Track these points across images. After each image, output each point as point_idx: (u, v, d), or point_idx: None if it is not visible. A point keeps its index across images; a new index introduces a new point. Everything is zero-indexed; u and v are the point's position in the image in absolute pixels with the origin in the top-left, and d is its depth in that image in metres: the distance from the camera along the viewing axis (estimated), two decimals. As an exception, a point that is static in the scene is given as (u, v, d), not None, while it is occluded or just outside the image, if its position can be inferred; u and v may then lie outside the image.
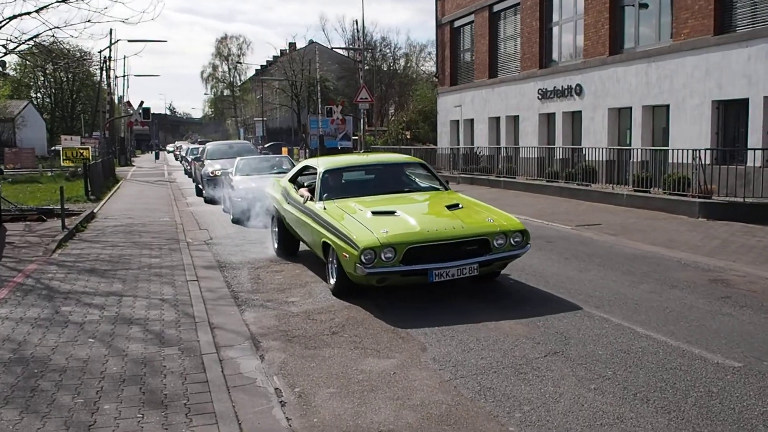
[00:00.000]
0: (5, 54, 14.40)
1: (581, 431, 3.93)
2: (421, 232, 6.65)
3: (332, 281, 7.43)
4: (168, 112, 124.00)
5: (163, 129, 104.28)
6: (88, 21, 14.39)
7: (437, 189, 8.68)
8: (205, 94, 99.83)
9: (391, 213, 7.18)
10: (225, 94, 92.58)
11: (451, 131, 30.69)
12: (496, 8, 26.48)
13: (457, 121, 30.00)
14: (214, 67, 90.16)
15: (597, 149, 18.36)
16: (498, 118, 26.65)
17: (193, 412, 4.29)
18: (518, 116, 25.03)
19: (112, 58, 46.66)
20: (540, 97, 23.36)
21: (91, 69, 55.19)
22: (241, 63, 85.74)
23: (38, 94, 72.48)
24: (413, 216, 7.07)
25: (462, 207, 7.48)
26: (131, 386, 4.75)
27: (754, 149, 14.34)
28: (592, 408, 4.22)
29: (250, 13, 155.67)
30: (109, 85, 49.36)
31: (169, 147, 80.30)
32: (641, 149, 17.37)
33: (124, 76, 75.72)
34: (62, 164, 32.28)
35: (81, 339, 5.88)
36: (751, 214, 12.26)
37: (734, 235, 10.97)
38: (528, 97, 24.18)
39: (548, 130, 23.56)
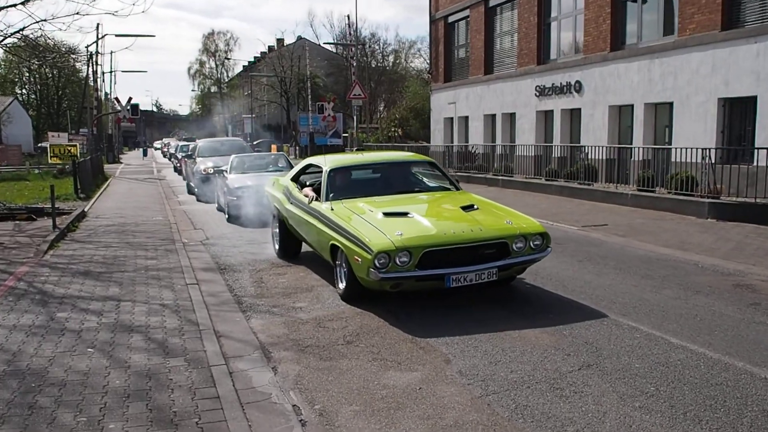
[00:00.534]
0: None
1: (632, 455, 3.62)
2: (437, 235, 6.31)
3: (341, 286, 7.08)
4: (155, 109, 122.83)
5: (150, 126, 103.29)
6: (77, 13, 13.96)
7: (448, 189, 8.33)
8: (192, 90, 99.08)
9: (404, 214, 6.83)
10: (212, 90, 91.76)
11: (445, 129, 30.36)
12: (492, 3, 26.14)
13: (452, 118, 29.67)
14: (201, 64, 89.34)
15: (597, 148, 18.08)
16: (494, 116, 26.36)
17: (207, 434, 3.94)
18: (515, 113, 24.74)
19: (100, 52, 45.99)
20: (537, 94, 23.07)
21: (77, 65, 54.42)
22: (228, 59, 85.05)
23: (23, 90, 71.51)
24: (428, 217, 6.75)
25: (478, 208, 7.14)
26: (137, 402, 4.39)
27: (763, 148, 14.09)
28: (642, 429, 3.90)
29: (236, 9, 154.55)
30: (96, 80, 48.64)
31: (157, 144, 79.45)
32: (643, 148, 17.12)
33: (111, 72, 74.92)
34: (50, 161, 31.71)
35: (79, 349, 5.51)
36: (762, 215, 12.00)
37: (748, 237, 10.72)
38: (525, 94, 23.89)
39: (546, 128, 23.29)
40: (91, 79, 47.28)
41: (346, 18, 55.63)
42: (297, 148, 50.41)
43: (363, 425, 4.09)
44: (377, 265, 6.11)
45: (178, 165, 30.20)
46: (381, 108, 65.24)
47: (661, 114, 18.27)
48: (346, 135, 48.94)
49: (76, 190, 19.59)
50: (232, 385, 4.72)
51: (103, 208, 16.99)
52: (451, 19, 29.65)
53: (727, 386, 4.49)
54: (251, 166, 15.38)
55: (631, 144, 18.36)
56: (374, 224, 6.59)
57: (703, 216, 12.73)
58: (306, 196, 8.24)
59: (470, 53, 28.01)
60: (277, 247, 9.72)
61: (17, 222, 13.62)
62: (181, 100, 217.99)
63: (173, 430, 3.99)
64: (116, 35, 47.41)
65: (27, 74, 68.36)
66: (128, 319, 6.40)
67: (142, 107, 72.62)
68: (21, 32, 15.89)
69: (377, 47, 68.32)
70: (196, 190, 18.89)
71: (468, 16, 27.90)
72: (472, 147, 25.65)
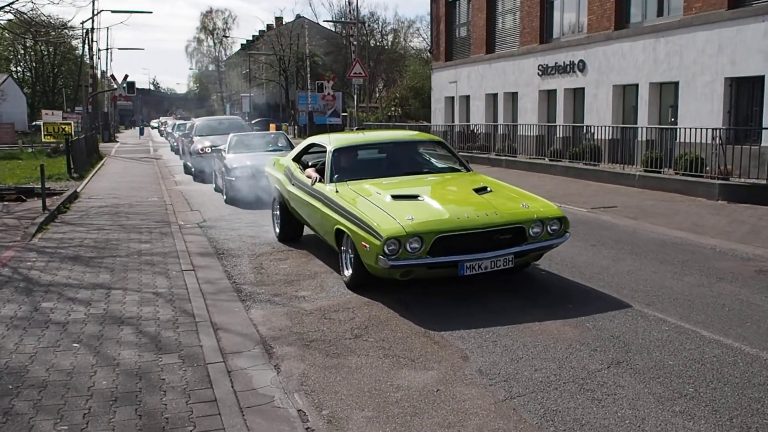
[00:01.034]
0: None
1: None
2: (450, 220, 5.91)
3: (347, 273, 6.69)
4: (152, 87, 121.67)
5: (147, 104, 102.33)
6: (70, -14, 13.36)
7: (458, 170, 7.92)
8: (190, 69, 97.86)
9: (414, 197, 6.44)
10: (210, 69, 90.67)
11: (446, 108, 29.86)
12: (494, -19, 25.54)
13: (452, 97, 29.17)
14: (199, 42, 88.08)
15: (602, 128, 17.64)
16: (495, 95, 25.87)
17: (204, 444, 3.56)
18: (517, 93, 24.26)
19: (95, 28, 45.17)
20: (540, 73, 22.58)
21: (73, 42, 53.49)
22: (227, 37, 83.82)
23: (18, 68, 70.47)
24: (439, 201, 6.33)
25: (491, 191, 6.72)
26: (125, 407, 4.00)
27: (764, 129, 13.68)
28: (685, 438, 3.54)
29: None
30: (91, 58, 47.83)
31: (154, 123, 78.64)
32: (648, 128, 16.68)
33: (107, 49, 73.96)
34: (43, 140, 31.13)
35: (64, 344, 5.11)
36: (775, 197, 11.63)
37: (762, 219, 10.33)
38: (527, 73, 23.39)
39: (548, 108, 22.83)
40: (87, 56, 46.49)
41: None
42: (296, 127, 49.79)
43: (376, 433, 3.72)
44: (387, 251, 5.72)
45: (175, 144, 29.70)
46: (380, 87, 64.50)
47: (666, 94, 17.82)
48: (345, 114, 48.35)
49: (69, 170, 19.12)
50: (231, 386, 4.34)
51: (96, 188, 16.54)
52: (452, -4, 29.03)
53: (771, 387, 4.13)
54: (250, 145, 14.92)
55: (636, 124, 17.93)
56: (383, 208, 6.19)
57: (713, 198, 12.34)
58: (309, 177, 7.80)
59: (472, 32, 27.43)
60: (277, 230, 9.30)
61: (6, 203, 13.17)
62: (178, 78, 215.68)
63: (167, 437, 3.62)
64: (112, 11, 46.40)
65: (22, 51, 67.34)
66: (118, 309, 6.01)
67: (139, 85, 71.80)
68: (11, 5, 15.33)
69: (376, 26, 67.44)
70: (193, 169, 18.45)
71: (470, -6, 27.28)
72: (474, 126, 25.19)
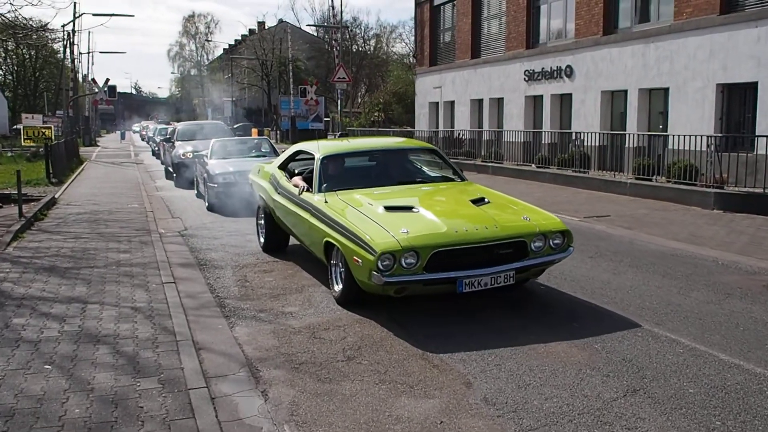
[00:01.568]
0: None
1: None
2: (448, 233, 5.57)
3: (337, 288, 6.31)
4: (133, 92, 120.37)
5: (128, 108, 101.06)
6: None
7: (452, 179, 7.59)
8: (172, 73, 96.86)
9: (408, 209, 6.09)
10: (192, 73, 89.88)
11: (430, 113, 29.62)
12: (480, -15, 25.36)
13: (437, 103, 28.94)
14: (181, 46, 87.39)
15: (590, 134, 17.46)
16: (480, 101, 25.65)
17: (185, 487, 3.18)
18: (502, 98, 24.05)
19: (76, 30, 44.41)
20: (527, 78, 22.38)
21: (54, 46, 52.61)
22: (209, 41, 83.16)
23: (0, 71, 69.28)
24: (436, 213, 5.97)
25: (489, 202, 6.40)
26: (99, 442, 3.61)
27: (764, 136, 13.51)
28: (718, 479, 3.23)
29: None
30: (73, 61, 47.04)
31: (135, 127, 77.67)
32: (638, 134, 16.50)
33: (88, 52, 72.98)
34: (23, 144, 30.43)
35: (35, 365, 4.70)
36: (771, 207, 11.44)
37: (760, 229, 10.13)
38: (513, 78, 23.19)
39: (535, 114, 22.63)
40: (68, 59, 45.70)
41: (329, 0, 54.33)
42: (278, 132, 49.30)
43: (377, 473, 3.36)
44: (380, 267, 5.37)
45: (157, 149, 29.17)
46: (363, 92, 64.23)
47: (656, 100, 17.68)
48: (328, 119, 47.97)
49: (48, 175, 18.59)
50: (215, 415, 3.96)
51: (75, 194, 16.02)
52: (437, 1, 28.80)
53: (802, 419, 3.83)
54: (233, 150, 14.52)
55: (625, 130, 17.76)
56: (375, 220, 5.83)
57: (708, 206, 12.15)
58: (296, 186, 7.43)
59: (457, 37, 27.22)
60: (262, 240, 8.90)
61: (-21, 210, 12.64)
62: (160, 82, 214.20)
63: (143, 479, 3.23)
64: (93, 14, 45.69)
65: (3, 55, 66.17)
66: (95, 326, 5.60)
67: (120, 90, 70.90)
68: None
69: (359, 31, 67.20)
70: (174, 175, 17.99)
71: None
72: (459, 132, 24.94)
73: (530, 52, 22.24)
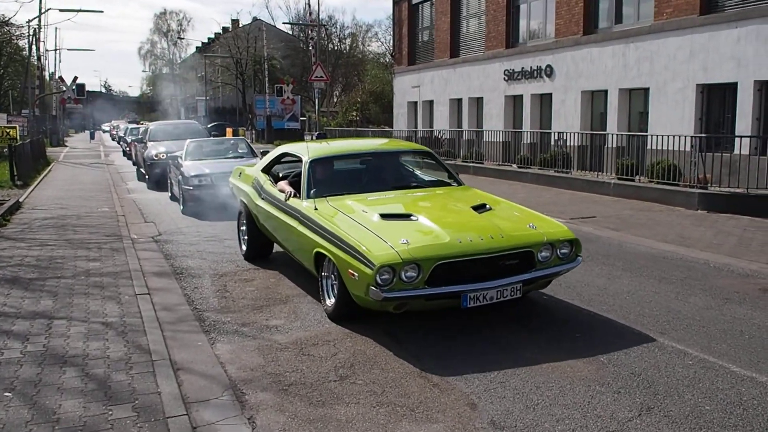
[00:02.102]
0: None
1: None
2: (451, 244, 5.17)
3: (329, 303, 5.88)
4: (103, 90, 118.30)
5: (98, 107, 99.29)
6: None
7: (448, 183, 7.19)
8: (143, 71, 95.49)
9: (406, 217, 5.71)
10: (164, 72, 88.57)
11: (409, 113, 29.36)
12: (459, -17, 25.14)
13: (416, 102, 28.69)
14: (153, 44, 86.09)
15: (571, 134, 17.32)
16: (460, 100, 25.44)
17: None
18: (482, 98, 23.85)
19: (42, 25, 43.35)
20: (506, 78, 22.21)
21: (19, 42, 51.29)
22: (181, 39, 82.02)
23: (-37, 69, 67.41)
24: (436, 221, 5.55)
25: (491, 208, 6.03)
26: (67, 482, 3.23)
27: (744, 136, 13.47)
28: None
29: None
30: (39, 59, 45.90)
31: (105, 126, 76.28)
32: (618, 135, 16.39)
33: (55, 50, 71.49)
34: (-15, 145, 29.50)
35: (-5, 392, 4.29)
36: (755, 207, 11.34)
37: (746, 230, 10.00)
38: (493, 78, 23.01)
39: (515, 114, 22.46)
40: (34, 56, 44.57)
41: (304, -2, 53.79)
42: (253, 131, 48.67)
43: None
44: (379, 281, 4.95)
45: (128, 149, 28.49)
46: (338, 92, 63.83)
47: (636, 100, 17.60)
48: (304, 119, 47.50)
49: (12, 177, 17.90)
50: (198, 447, 3.61)
51: (41, 197, 15.41)
52: (415, 0, 28.52)
53: (831, 440, 3.59)
54: (209, 151, 14.07)
55: (605, 131, 17.66)
56: (371, 229, 5.42)
57: (692, 207, 12.03)
58: (281, 191, 7.00)
59: (435, 36, 26.97)
60: (244, 248, 8.42)
61: (-60, 215, 12.03)
62: (131, 81, 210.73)
63: None
64: (60, 10, 44.20)
65: (-33, 52, 64.41)
66: (61, 345, 5.18)
67: (90, 88, 69.56)
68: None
69: (334, 30, 66.78)
70: (147, 177, 17.45)
71: (433, -3, 26.83)
72: (438, 132, 24.70)
73: (510, 52, 22.07)
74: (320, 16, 56.93)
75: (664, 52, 16.03)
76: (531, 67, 20.94)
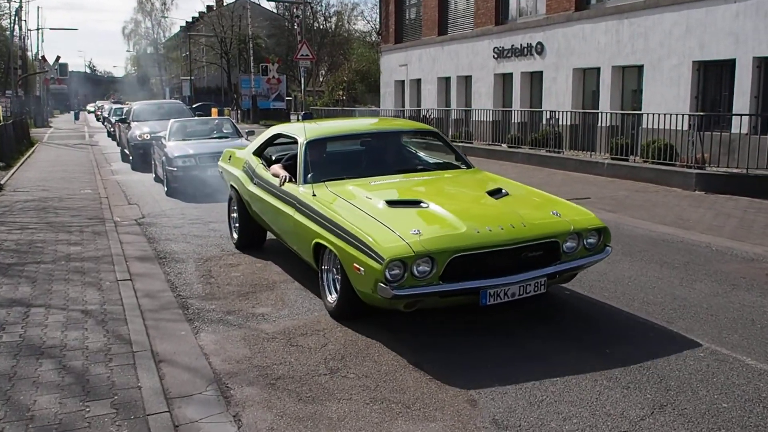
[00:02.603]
0: None
1: None
2: (468, 234, 4.62)
3: (330, 299, 5.36)
4: (87, 70, 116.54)
5: (82, 88, 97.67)
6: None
7: (456, 166, 6.63)
8: (128, 51, 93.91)
9: (415, 203, 5.15)
10: (149, 51, 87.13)
11: (396, 92, 28.98)
12: (447, -41, 24.67)
13: (403, 81, 28.31)
14: (137, 23, 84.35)
15: (563, 113, 17.05)
16: (448, 79, 25.09)
17: None
18: (471, 76, 23.52)
19: (24, 2, 42.34)
20: (496, 56, 21.87)
21: (1, 22, 50.18)
22: (165, 17, 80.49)
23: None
24: (449, 208, 4.99)
25: (507, 193, 5.46)
26: (37, 491, 2.97)
27: (743, 115, 13.26)
28: None
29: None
30: (21, 38, 44.90)
31: (90, 107, 75.15)
32: (612, 113, 16.13)
33: (38, 29, 70.08)
34: (-34, 125, 28.85)
35: (-36, 388, 4.01)
36: (754, 187, 11.15)
37: (747, 212, 9.82)
38: (482, 56, 22.65)
39: (504, 92, 22.16)
40: (17, 36, 43.57)
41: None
42: (239, 111, 48.02)
43: None
44: (389, 277, 4.43)
45: (112, 129, 27.97)
46: (324, 71, 63.06)
47: (630, 78, 17.34)
48: (290, 98, 46.90)
49: (-7, 159, 17.45)
50: (180, 450, 3.35)
51: (24, 179, 14.99)
52: (402, -24, 28.05)
53: None
54: (193, 132, 13.71)
55: (597, 109, 17.40)
56: (378, 218, 4.89)
57: (689, 188, 11.83)
58: (275, 175, 6.44)
59: (423, 13, 26.53)
60: (235, 236, 7.87)
61: None
62: (115, 61, 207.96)
63: None
64: (41, -11, 43.10)
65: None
66: (38, 335, 4.90)
67: (73, 68, 68.49)
68: None
69: (319, 9, 65.79)
70: (131, 157, 17.04)
71: (422, -27, 26.35)
72: (426, 111, 24.36)
73: (499, 29, 21.71)
74: (307, -6, 56.04)
75: (660, 27, 15.75)
76: (521, 45, 20.61)
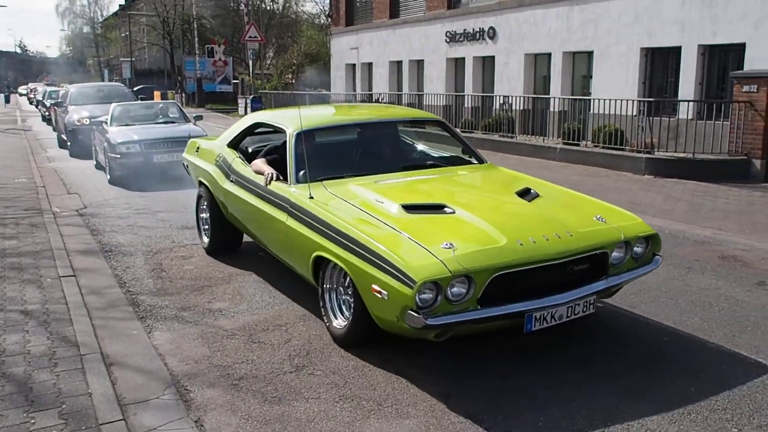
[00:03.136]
0: None
1: None
2: (511, 248, 3.86)
3: (337, 323, 4.47)
4: (18, 50, 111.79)
5: (13, 69, 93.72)
6: None
7: (468, 161, 5.90)
8: (62, 30, 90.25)
9: (437, 208, 4.34)
10: (85, 31, 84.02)
11: (347, 75, 28.66)
12: (398, -59, 24.40)
13: (354, 64, 28.01)
14: (71, 1, 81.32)
15: (514, 98, 17.10)
16: (400, 62, 24.93)
17: None
18: (423, 61, 23.41)
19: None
20: (448, 40, 21.80)
21: None
22: (102, -5, 77.76)
23: None
24: (482, 216, 4.20)
25: (539, 194, 4.72)
26: None
27: (689, 101, 13.54)
28: None
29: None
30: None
31: (22, 89, 72.10)
32: (562, 98, 16.27)
33: (-39, 5, 66.60)
34: None
35: None
36: (700, 171, 11.41)
37: (695, 195, 10.01)
38: (434, 40, 22.55)
39: (456, 76, 22.14)
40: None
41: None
42: (183, 94, 46.77)
43: None
44: (420, 303, 3.66)
45: (47, 114, 26.79)
46: (272, 54, 62.00)
47: (580, 63, 17.51)
48: (237, 81, 45.94)
49: None
50: (138, 462, 3.11)
51: (-49, 167, 14.16)
52: (352, -43, 27.64)
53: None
54: (136, 116, 13.14)
55: (548, 94, 17.53)
56: (398, 228, 4.05)
57: (639, 172, 12.00)
58: (258, 172, 5.51)
59: (374, -5, 26.24)
60: (206, 240, 6.90)
61: None
62: (49, 41, 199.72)
63: None
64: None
65: None
66: (-26, 338, 4.54)
67: (2, 48, 65.26)
68: None
69: (266, -12, 64.49)
70: (69, 143, 16.29)
71: (372, -46, 26.01)
72: (378, 96, 24.14)
73: (452, 13, 21.63)
74: (252, -26, 54.86)
75: (609, 14, 15.92)
76: (473, 29, 20.57)
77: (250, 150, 6.44)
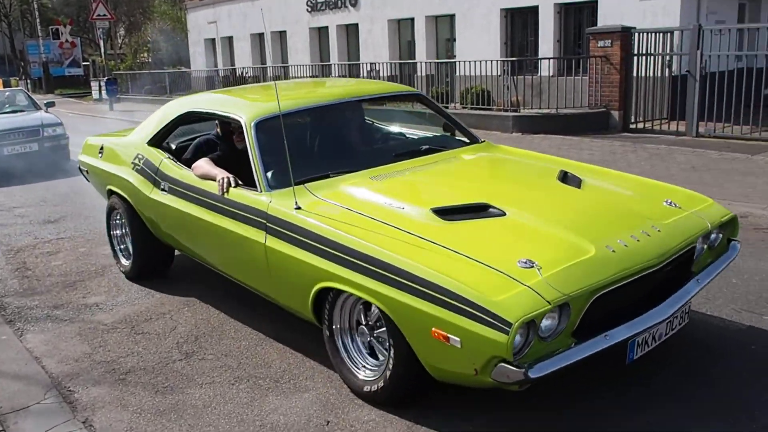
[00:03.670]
0: None
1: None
2: (605, 258, 2.99)
3: (363, 375, 3.37)
4: None
5: None
6: None
7: (463, 141, 4.79)
8: None
9: (482, 210, 3.34)
10: None
11: (207, 51, 27.66)
12: None
13: (213, 39, 27.05)
14: None
15: (381, 64, 17.21)
16: (261, 35, 24.33)
17: None
18: (285, 32, 22.99)
19: None
20: (309, 9, 21.53)
21: None
22: None
23: None
24: (544, 216, 3.32)
25: (582, 179, 3.81)
26: None
27: (547, 58, 14.21)
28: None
29: None
30: None
31: None
32: (428, 62, 16.57)
33: None
34: None
35: None
36: (564, 125, 12.07)
37: (561, 149, 10.60)
38: (295, 9, 22.18)
39: (321, 46, 21.96)
40: None
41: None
42: (28, 81, 43.29)
43: None
44: (515, 349, 2.68)
45: None
46: (122, 32, 58.54)
47: (443, 27, 17.87)
48: (87, 63, 43.08)
49: None
50: (23, 474, 2.90)
51: None
52: (202, -75, 26.47)
53: None
54: (-25, 107, 12.05)
55: (414, 59, 17.79)
56: (444, 244, 3.01)
57: (508, 130, 12.52)
58: (206, 177, 4.18)
59: (228, -35, 25.32)
60: (125, 263, 5.49)
61: None
62: None
63: None
64: None
65: None
66: None
67: None
68: None
69: (112, -38, 60.56)
70: None
71: None
72: (241, 70, 23.49)
73: (310, -19, 21.32)
74: (94, -53, 51.29)
75: (467, -23, 16.29)
76: (335, -3, 20.42)
77: (173, 147, 5.12)
